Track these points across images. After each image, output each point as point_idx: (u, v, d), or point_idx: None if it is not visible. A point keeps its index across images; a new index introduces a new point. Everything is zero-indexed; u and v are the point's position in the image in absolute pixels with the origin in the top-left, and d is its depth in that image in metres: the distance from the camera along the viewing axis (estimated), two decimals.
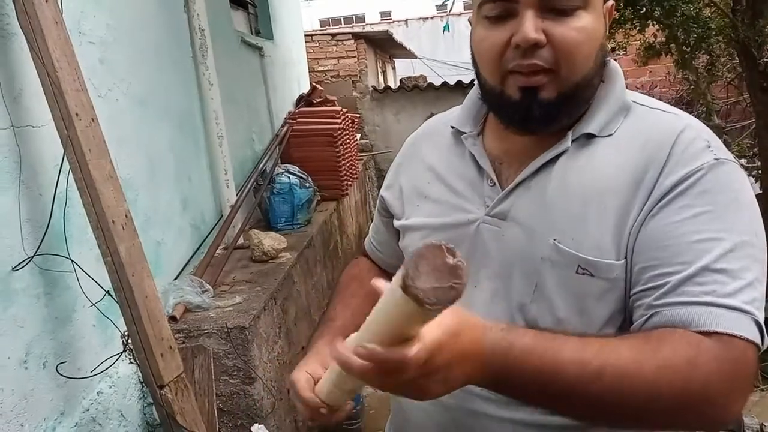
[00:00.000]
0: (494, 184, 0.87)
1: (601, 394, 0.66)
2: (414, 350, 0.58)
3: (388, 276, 1.08)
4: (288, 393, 1.11)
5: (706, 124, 0.84)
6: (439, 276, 0.52)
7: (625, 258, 0.77)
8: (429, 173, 0.97)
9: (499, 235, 0.84)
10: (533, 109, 0.79)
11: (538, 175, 0.84)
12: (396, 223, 1.02)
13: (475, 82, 0.91)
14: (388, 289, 0.59)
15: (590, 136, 0.83)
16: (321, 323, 1.07)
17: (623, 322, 0.80)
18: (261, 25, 4.82)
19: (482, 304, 0.85)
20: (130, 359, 1.92)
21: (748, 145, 5.70)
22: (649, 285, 0.74)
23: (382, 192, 1.09)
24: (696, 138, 0.79)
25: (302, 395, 0.83)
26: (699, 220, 0.73)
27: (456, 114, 0.97)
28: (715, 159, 0.76)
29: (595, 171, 0.80)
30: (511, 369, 0.66)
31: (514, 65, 0.78)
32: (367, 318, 0.63)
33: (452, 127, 0.96)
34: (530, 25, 0.75)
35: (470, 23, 0.88)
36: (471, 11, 0.88)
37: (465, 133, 0.93)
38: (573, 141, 0.83)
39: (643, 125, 0.82)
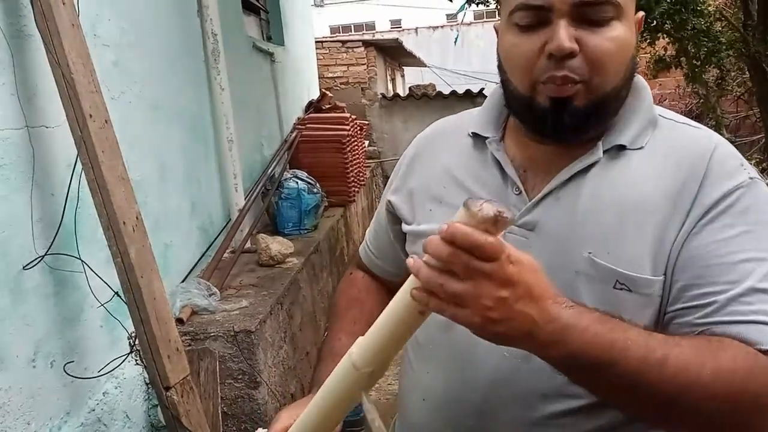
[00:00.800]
0: (520, 192, 0.85)
1: (660, 384, 0.65)
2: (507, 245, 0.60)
3: (387, 290, 1.07)
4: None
5: None
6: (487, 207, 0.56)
7: (664, 275, 0.76)
8: (445, 177, 0.93)
9: (526, 246, 0.80)
10: (564, 118, 0.78)
11: (568, 186, 0.82)
12: (405, 228, 0.98)
13: (487, 92, 0.90)
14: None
15: (621, 148, 0.82)
16: (324, 355, 1.03)
17: None
18: (272, 30, 4.85)
19: None
20: (136, 360, 1.93)
21: (757, 159, 5.68)
22: (694, 303, 0.73)
23: (389, 196, 1.03)
24: (729, 155, 0.79)
25: None
26: (742, 239, 0.73)
27: (474, 119, 0.94)
28: (750, 178, 0.77)
29: (630, 184, 0.80)
30: (577, 333, 0.65)
31: (548, 76, 0.77)
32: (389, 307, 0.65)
33: (472, 133, 0.93)
34: (564, 35, 0.74)
35: (496, 30, 0.87)
36: (481, 21, 0.87)
37: (488, 137, 0.90)
38: (604, 152, 0.82)
39: (674, 140, 0.82)
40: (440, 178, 0.94)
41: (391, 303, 0.63)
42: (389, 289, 1.07)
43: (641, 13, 0.83)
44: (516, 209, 0.84)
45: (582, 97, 0.77)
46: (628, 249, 0.77)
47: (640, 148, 0.81)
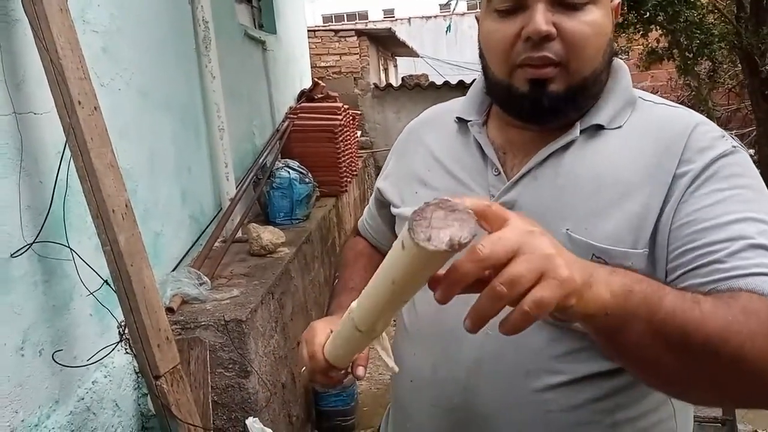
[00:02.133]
0: (499, 173, 0.87)
1: (704, 324, 0.63)
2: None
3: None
4: (297, 345, 1.12)
5: None
6: (443, 218, 0.53)
7: (648, 248, 0.77)
8: (430, 160, 0.97)
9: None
10: (542, 101, 0.80)
11: (545, 165, 0.84)
12: (394, 210, 1.02)
13: (479, 75, 0.91)
14: (391, 249, 0.59)
15: (599, 128, 0.84)
16: (339, 292, 1.07)
17: None
18: (264, 19, 4.81)
19: None
20: (126, 349, 1.92)
21: (749, 154, 5.71)
22: (693, 265, 0.73)
23: (379, 183, 1.09)
24: (710, 129, 0.81)
25: (314, 349, 0.85)
26: (731, 201, 0.74)
27: (459, 104, 0.98)
28: (733, 146, 0.79)
29: (607, 161, 0.82)
30: (619, 276, 0.63)
31: (524, 58, 0.79)
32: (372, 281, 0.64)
33: (457, 118, 0.96)
34: (541, 18, 0.76)
35: (477, 20, 0.88)
36: (474, 12, 0.88)
37: (470, 121, 0.93)
38: (581, 132, 0.84)
39: (653, 118, 0.84)
40: (425, 162, 0.97)
41: (385, 265, 0.62)
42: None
43: (617, 1, 0.85)
44: (494, 189, 0.86)
45: (560, 80, 0.79)
46: (606, 223, 0.78)
47: (617, 128, 0.84)
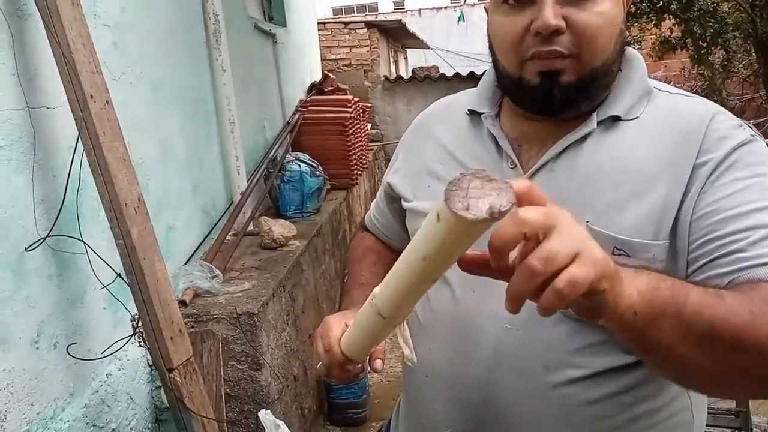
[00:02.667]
0: (515, 165, 0.86)
1: (728, 317, 0.63)
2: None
3: (397, 254, 1.10)
4: (310, 338, 1.12)
5: None
6: (480, 188, 0.52)
7: (669, 239, 0.76)
8: (442, 153, 0.95)
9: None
10: (554, 92, 0.80)
11: (562, 157, 0.84)
12: (405, 205, 1.00)
13: (489, 67, 0.90)
14: (424, 223, 0.57)
15: (616, 119, 0.83)
16: (349, 289, 1.07)
17: None
18: (274, 11, 4.80)
19: (503, 290, 0.84)
20: (139, 342, 1.93)
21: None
22: (715, 255, 0.73)
23: (388, 178, 1.07)
24: (727, 118, 0.81)
25: (330, 342, 0.84)
26: (752, 190, 0.74)
27: (471, 97, 0.97)
28: (751, 135, 0.79)
29: (626, 153, 0.81)
30: (644, 276, 0.63)
31: (534, 52, 0.78)
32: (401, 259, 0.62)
33: (469, 111, 0.95)
34: (550, 12, 0.75)
35: (486, 11, 0.87)
36: (484, 2, 0.88)
37: (483, 113, 0.92)
38: (598, 123, 0.83)
39: (670, 108, 0.83)
40: (437, 155, 0.96)
41: (414, 243, 0.61)
42: (395, 252, 1.12)
43: None
44: None
45: (571, 71, 0.78)
46: (627, 216, 0.78)
47: (634, 119, 0.83)
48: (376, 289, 0.70)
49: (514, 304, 0.56)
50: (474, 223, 0.50)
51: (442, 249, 0.56)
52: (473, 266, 0.59)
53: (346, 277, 1.13)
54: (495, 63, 0.87)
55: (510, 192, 0.52)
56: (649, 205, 0.78)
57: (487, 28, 0.86)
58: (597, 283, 0.55)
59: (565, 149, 0.83)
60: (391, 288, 0.66)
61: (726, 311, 0.63)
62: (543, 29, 0.76)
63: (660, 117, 0.82)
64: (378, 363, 0.84)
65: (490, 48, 0.87)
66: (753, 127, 0.83)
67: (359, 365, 0.84)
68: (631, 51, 0.89)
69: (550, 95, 0.80)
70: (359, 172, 4.71)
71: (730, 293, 0.65)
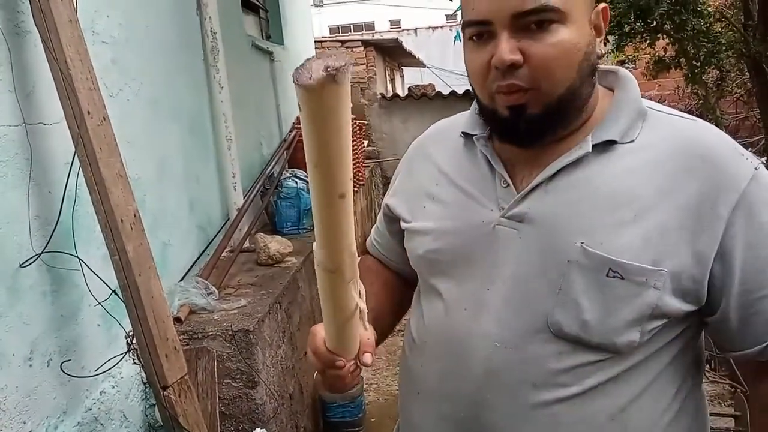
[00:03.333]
0: (508, 185, 0.87)
1: None
2: None
3: (396, 274, 1.11)
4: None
5: None
6: (320, 62, 0.56)
7: (671, 271, 0.77)
8: (438, 174, 0.97)
9: (516, 237, 0.84)
10: (519, 125, 0.81)
11: (557, 178, 0.84)
12: (404, 225, 1.02)
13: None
14: None
15: (612, 143, 0.83)
16: None
17: (651, 328, 0.80)
18: (272, 30, 4.84)
19: (496, 308, 0.84)
20: (133, 360, 1.92)
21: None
22: (752, 310, 0.77)
23: (387, 200, 1.09)
24: (727, 145, 0.81)
25: (316, 344, 0.83)
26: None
27: (464, 120, 0.98)
28: (755, 168, 0.79)
29: (623, 177, 0.81)
30: None
31: (497, 86, 0.80)
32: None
33: (463, 133, 0.96)
34: (505, 47, 0.77)
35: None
36: None
37: (475, 135, 0.94)
38: (594, 147, 0.83)
39: (667, 131, 0.84)
40: (433, 177, 0.98)
41: (307, 161, 0.63)
42: (395, 272, 1.13)
43: (602, 5, 0.85)
44: (504, 201, 0.87)
45: (535, 103, 0.80)
46: (622, 238, 0.78)
47: (630, 142, 0.83)
48: (314, 246, 0.70)
49: None
50: (319, 87, 0.54)
51: (316, 135, 0.59)
52: None
53: None
54: (474, 92, 0.89)
55: (346, 57, 0.55)
56: (645, 230, 0.78)
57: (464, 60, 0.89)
58: None
59: (560, 170, 0.84)
60: (318, 231, 0.67)
61: None
62: (499, 64, 0.78)
63: (657, 141, 0.82)
64: (367, 356, 0.82)
65: (469, 79, 0.89)
66: (751, 153, 0.83)
67: (351, 361, 0.81)
68: (624, 72, 0.90)
69: (515, 127, 0.82)
70: (355, 190, 4.69)
71: None
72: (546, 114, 0.80)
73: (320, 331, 0.85)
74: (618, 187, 0.80)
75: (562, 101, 0.80)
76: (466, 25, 0.82)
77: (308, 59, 0.56)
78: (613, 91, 0.88)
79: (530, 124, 0.81)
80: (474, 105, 0.97)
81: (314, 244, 0.70)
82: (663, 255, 0.77)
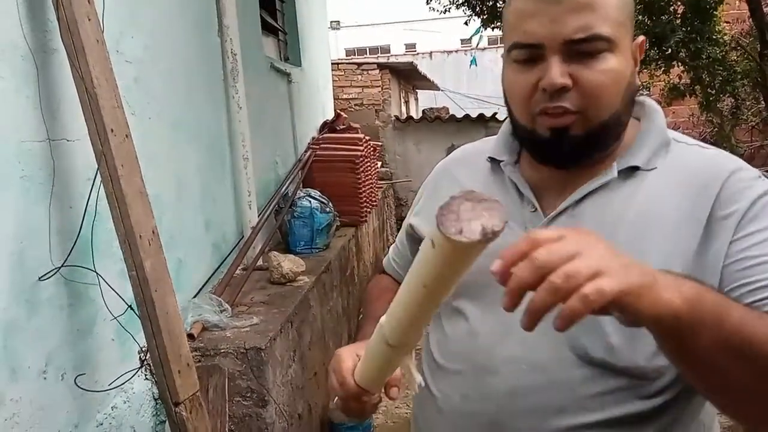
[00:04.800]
0: (535, 209, 0.89)
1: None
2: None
3: None
4: (326, 371, 1.12)
5: None
6: (471, 210, 0.52)
7: None
8: None
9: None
10: (563, 146, 0.83)
11: (583, 203, 0.86)
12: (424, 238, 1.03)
13: (500, 116, 0.93)
14: (422, 248, 0.57)
15: (635, 169, 0.86)
16: (364, 325, 1.09)
17: None
18: (290, 51, 4.91)
19: (521, 332, 0.84)
20: (146, 375, 1.92)
21: None
22: (747, 301, 0.74)
23: (411, 219, 1.10)
24: (748, 169, 0.83)
25: (343, 374, 0.84)
26: None
27: (491, 145, 1.00)
28: None
29: (645, 202, 0.83)
30: (681, 281, 0.64)
31: (543, 108, 0.81)
32: (402, 287, 0.62)
33: (489, 158, 0.98)
34: (556, 71, 0.79)
35: (503, 59, 0.91)
36: (495, 46, 0.92)
37: (503, 161, 0.95)
38: (619, 173, 0.85)
39: (688, 159, 0.86)
40: None
41: (414, 270, 0.62)
42: None
43: (641, 38, 0.88)
44: (531, 225, 0.88)
45: (579, 126, 0.81)
46: (644, 261, 0.78)
47: (653, 169, 0.85)
48: (383, 319, 0.71)
49: (531, 321, 0.57)
50: (468, 246, 0.51)
51: (441, 274, 0.56)
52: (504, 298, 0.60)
53: (361, 315, 1.14)
54: (510, 114, 0.90)
55: (502, 210, 0.52)
56: (667, 254, 0.79)
57: (502, 82, 0.90)
58: (623, 295, 0.57)
59: (585, 196, 0.85)
60: (396, 316, 0.67)
61: (766, 329, 0.64)
62: (549, 87, 0.79)
63: (679, 168, 0.84)
64: (394, 391, 0.83)
65: (506, 100, 0.90)
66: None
67: (376, 395, 0.84)
68: (651, 103, 0.92)
69: (559, 149, 0.83)
70: (368, 210, 4.73)
71: None
72: (588, 137, 0.82)
73: (347, 358, 0.87)
74: (641, 211, 0.82)
75: (605, 126, 0.82)
76: (514, 47, 0.83)
77: (455, 198, 0.53)
78: (639, 121, 0.90)
79: (573, 146, 0.82)
80: (502, 130, 0.99)
81: (385, 317, 0.70)
82: (686, 272, 0.77)
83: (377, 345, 0.73)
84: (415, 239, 1.09)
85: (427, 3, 7.66)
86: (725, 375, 0.65)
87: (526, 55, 0.82)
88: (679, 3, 6.53)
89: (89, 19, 1.56)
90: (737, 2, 6.00)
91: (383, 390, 0.84)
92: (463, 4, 7.23)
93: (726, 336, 0.63)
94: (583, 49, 0.79)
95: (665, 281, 0.61)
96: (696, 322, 0.62)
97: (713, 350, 0.63)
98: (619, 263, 0.58)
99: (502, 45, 0.90)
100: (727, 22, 7.20)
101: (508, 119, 0.97)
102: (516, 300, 0.57)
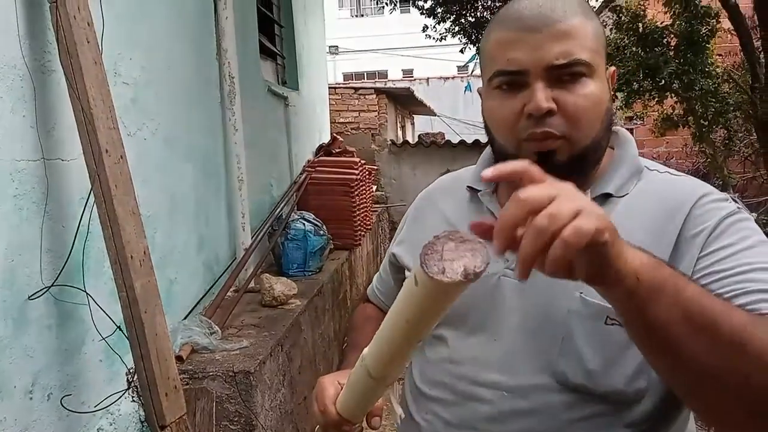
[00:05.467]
0: None
1: (730, 313, 0.64)
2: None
3: None
4: (310, 397, 1.12)
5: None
6: (454, 250, 0.53)
7: None
8: (445, 225, 1.00)
9: (520, 288, 0.86)
10: (549, 170, 0.83)
11: None
12: (408, 274, 1.03)
13: (488, 148, 0.95)
14: (404, 287, 0.59)
15: (608, 196, 0.88)
16: (348, 353, 1.09)
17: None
18: (288, 75, 4.96)
19: (503, 357, 0.85)
20: (132, 397, 1.91)
21: (764, 221, 5.67)
22: None
23: (393, 249, 1.11)
24: (715, 192, 0.86)
25: (325, 403, 0.86)
26: (742, 254, 0.77)
27: (470, 174, 1.02)
28: (738, 208, 0.83)
29: (616, 226, 0.84)
30: (661, 271, 0.64)
31: (529, 133, 0.83)
32: (385, 322, 0.64)
33: (468, 187, 1.00)
34: (542, 96, 0.81)
35: (480, 94, 0.92)
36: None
37: (480, 191, 0.97)
38: (592, 200, 0.86)
39: (658, 185, 0.89)
40: (440, 227, 1.00)
41: (396, 306, 0.63)
42: None
43: (613, 68, 0.91)
44: (509, 253, 0.87)
45: (564, 150, 0.83)
46: None
47: (624, 195, 0.88)
48: (365, 350, 0.72)
49: (525, 268, 0.58)
50: (450, 286, 0.52)
51: (423, 311, 0.58)
52: (483, 235, 0.61)
53: (346, 344, 1.14)
54: (492, 142, 0.92)
55: (484, 251, 0.54)
56: None
57: (482, 110, 0.92)
58: (600, 233, 0.58)
59: None
60: (378, 349, 0.68)
61: (726, 308, 0.65)
62: (535, 112, 0.81)
63: (648, 193, 0.87)
64: (375, 420, 0.85)
65: (486, 128, 0.92)
66: (739, 200, 0.88)
67: (357, 425, 0.84)
68: (623, 132, 0.95)
69: (545, 172, 0.84)
70: (362, 234, 4.73)
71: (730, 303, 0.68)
72: (571, 162, 0.84)
73: (329, 386, 0.88)
74: None
75: (587, 151, 0.85)
76: (497, 75, 0.85)
77: (439, 237, 0.54)
78: (613, 149, 0.93)
79: (558, 171, 0.82)
80: (482, 158, 1.01)
81: (367, 349, 0.71)
82: None
83: (359, 376, 0.74)
84: (398, 268, 1.10)
85: (424, 31, 7.78)
86: (681, 348, 0.64)
87: (510, 81, 0.84)
88: (672, 35, 6.65)
89: (88, 41, 1.59)
90: (729, 36, 6.10)
91: (365, 420, 0.85)
92: (458, 32, 7.35)
93: (684, 305, 0.63)
94: (564, 74, 0.81)
95: (626, 244, 0.64)
96: (655, 286, 0.63)
97: (670, 318, 0.63)
98: (597, 209, 0.60)
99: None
100: (719, 55, 7.32)
101: (486, 149, 0.99)
102: (508, 241, 0.58)
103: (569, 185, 0.61)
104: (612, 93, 0.90)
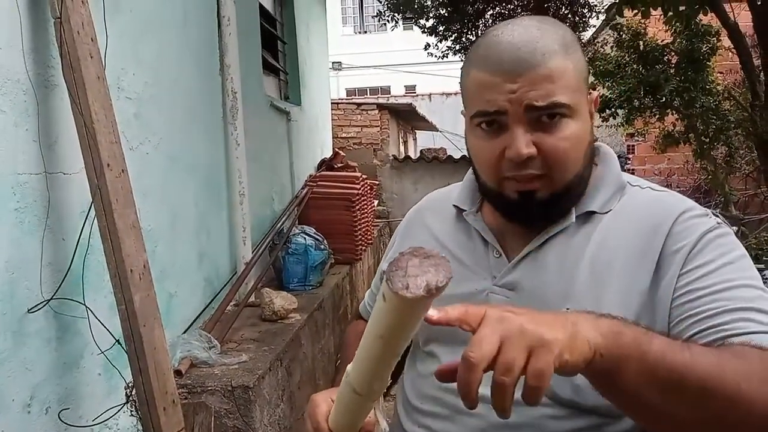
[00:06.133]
0: (500, 255, 0.92)
1: (695, 366, 0.65)
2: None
3: None
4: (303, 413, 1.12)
5: (724, 215, 0.90)
6: (418, 266, 0.55)
7: (649, 323, 0.79)
8: (433, 242, 1.01)
9: (509, 304, 0.86)
10: (532, 208, 0.87)
11: (544, 248, 0.89)
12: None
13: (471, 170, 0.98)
14: (375, 307, 0.61)
15: (592, 213, 0.89)
16: (341, 370, 1.09)
17: None
18: (290, 91, 4.99)
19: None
20: (131, 412, 1.90)
21: (766, 238, 5.66)
22: (691, 332, 0.76)
23: (383, 266, 1.12)
24: (695, 208, 0.87)
25: (318, 420, 0.87)
26: (722, 271, 0.79)
27: (456, 193, 1.04)
28: (717, 223, 0.84)
29: (600, 243, 0.87)
30: (623, 339, 0.65)
31: (510, 175, 0.85)
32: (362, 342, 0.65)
33: (454, 206, 1.02)
34: (521, 142, 0.82)
35: (465, 124, 0.94)
36: None
37: (465, 210, 0.99)
38: (576, 217, 0.89)
39: (641, 201, 0.90)
40: (428, 244, 1.01)
41: (370, 322, 0.65)
42: None
43: (595, 93, 0.92)
44: (496, 270, 0.92)
45: (545, 188, 0.85)
46: (604, 300, 0.82)
47: (608, 212, 0.89)
48: (349, 367, 0.73)
49: (506, 412, 0.61)
50: (413, 300, 0.54)
51: (393, 326, 0.59)
52: (449, 379, 0.63)
53: (339, 362, 1.15)
54: (476, 174, 0.93)
55: (447, 266, 0.56)
56: (623, 291, 0.82)
57: (466, 141, 0.93)
58: (558, 358, 0.60)
59: (546, 240, 0.89)
60: (359, 365, 0.69)
61: (691, 359, 0.65)
62: (516, 158, 0.82)
63: (631, 208, 0.88)
64: None
65: (470, 160, 0.94)
66: (720, 215, 0.89)
67: None
68: (605, 148, 0.96)
69: (527, 210, 0.87)
70: (363, 248, 4.73)
71: (697, 346, 0.69)
72: (553, 197, 0.85)
73: (321, 403, 0.89)
74: (597, 253, 0.85)
75: (569, 186, 0.86)
76: (477, 115, 0.86)
77: (403, 254, 0.57)
78: (596, 165, 0.94)
79: (540, 207, 0.86)
80: (467, 177, 1.03)
81: (350, 366, 0.73)
82: (642, 310, 0.81)
83: (346, 393, 0.75)
84: None
85: (426, 49, 7.83)
86: (658, 410, 0.67)
87: (490, 121, 0.85)
88: (673, 53, 6.69)
89: (91, 57, 1.60)
90: (730, 54, 6.13)
91: None
92: (459, 50, 7.40)
93: (649, 370, 0.64)
94: (544, 116, 0.82)
95: (585, 324, 0.64)
96: (619, 355, 0.64)
97: (639, 385, 0.65)
98: (543, 328, 0.61)
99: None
100: (720, 73, 7.35)
101: (471, 170, 1.00)
102: (472, 395, 0.60)
103: (508, 312, 0.62)
104: (593, 117, 0.91)
